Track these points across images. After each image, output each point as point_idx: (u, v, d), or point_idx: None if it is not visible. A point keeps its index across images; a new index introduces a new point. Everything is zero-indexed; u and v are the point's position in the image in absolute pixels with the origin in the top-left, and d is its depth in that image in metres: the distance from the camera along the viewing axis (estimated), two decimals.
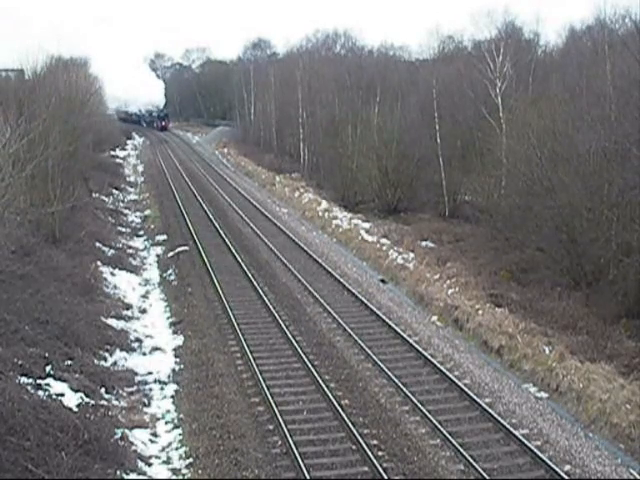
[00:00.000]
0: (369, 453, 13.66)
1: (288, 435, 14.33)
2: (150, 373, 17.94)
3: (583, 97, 26.19)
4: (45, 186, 26.33)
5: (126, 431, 14.60)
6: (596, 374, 16.88)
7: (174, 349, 19.81)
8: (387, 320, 21.50)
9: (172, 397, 16.77)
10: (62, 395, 15.06)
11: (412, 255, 29.08)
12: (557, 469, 13.25)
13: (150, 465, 13.73)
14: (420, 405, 15.81)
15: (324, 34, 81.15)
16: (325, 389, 16.56)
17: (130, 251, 30.99)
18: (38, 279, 20.72)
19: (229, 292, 24.36)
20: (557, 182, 24.44)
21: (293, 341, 19.69)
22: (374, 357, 18.59)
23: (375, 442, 14.44)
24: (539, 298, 22.53)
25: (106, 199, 42.13)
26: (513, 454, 14.06)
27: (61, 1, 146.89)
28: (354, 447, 14.18)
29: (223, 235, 33.29)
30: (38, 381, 15.23)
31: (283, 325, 20.97)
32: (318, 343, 20.03)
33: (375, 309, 22.59)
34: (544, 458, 13.62)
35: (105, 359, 18.37)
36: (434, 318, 22.47)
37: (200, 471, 13.48)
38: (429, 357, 18.68)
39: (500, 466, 13.57)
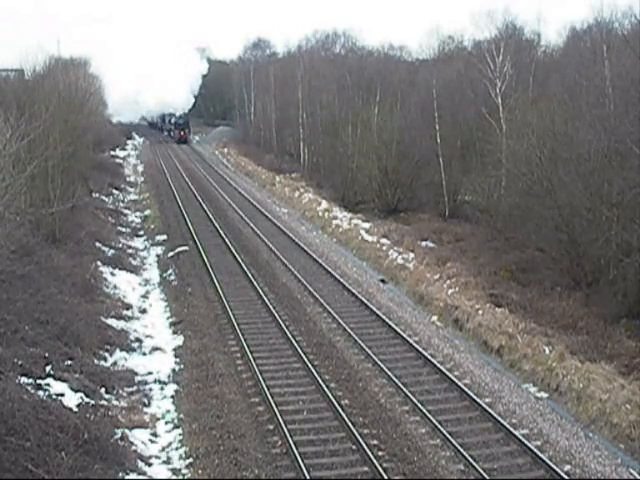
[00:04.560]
0: (369, 453, 13.67)
1: (288, 435, 14.34)
2: (150, 373, 17.94)
3: (583, 97, 26.18)
4: (45, 186, 26.34)
5: (126, 431, 14.60)
6: (596, 374, 16.88)
7: (174, 349, 19.81)
8: (387, 320, 21.50)
9: (172, 397, 16.77)
10: (62, 395, 15.06)
11: (412, 255, 29.08)
12: (557, 469, 13.25)
13: (150, 465, 13.74)
14: (420, 405, 15.81)
15: (324, 34, 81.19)
16: (325, 389, 16.57)
17: (130, 251, 30.99)
18: (38, 279, 20.72)
19: (229, 292, 24.36)
20: (557, 182, 24.45)
21: (293, 341, 19.69)
22: (374, 357, 18.58)
23: (375, 442, 14.44)
24: (539, 298, 22.54)
25: (106, 199, 42.15)
26: (513, 454, 14.06)
27: (61, 1, 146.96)
28: (354, 447, 14.18)
29: (223, 235, 33.29)
30: (38, 381, 15.23)
31: (283, 325, 20.97)
32: (318, 343, 20.03)
33: (375, 309, 22.59)
34: (544, 458, 13.62)
35: (105, 359, 18.38)
36: (434, 318, 22.47)
37: (200, 471, 13.48)
38: (429, 357, 18.68)
39: (500, 466, 13.57)
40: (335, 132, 45.61)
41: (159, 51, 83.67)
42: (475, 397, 16.23)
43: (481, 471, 13.17)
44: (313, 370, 17.67)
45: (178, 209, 40.58)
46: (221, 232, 33.92)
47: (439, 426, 14.85)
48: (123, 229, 35.53)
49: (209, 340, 20.23)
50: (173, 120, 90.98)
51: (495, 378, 17.86)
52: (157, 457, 14.12)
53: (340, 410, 15.47)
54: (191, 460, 13.89)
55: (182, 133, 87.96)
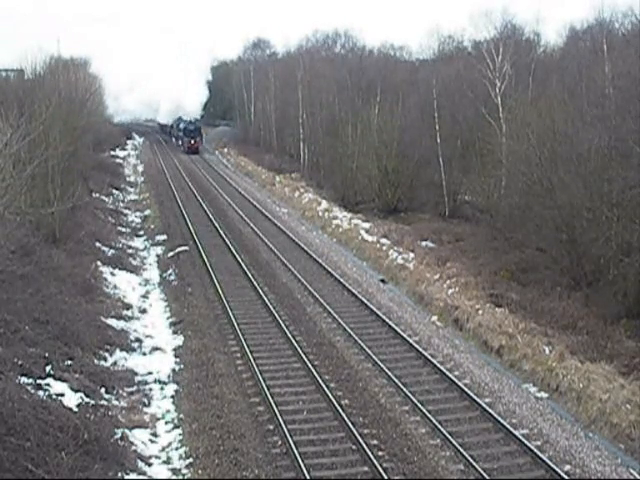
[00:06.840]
0: (369, 453, 13.67)
1: (288, 435, 14.34)
2: (150, 373, 17.94)
3: (583, 97, 26.19)
4: (45, 186, 26.34)
5: (126, 431, 14.60)
6: (596, 374, 16.88)
7: (174, 349, 19.81)
8: (387, 320, 21.50)
9: (172, 397, 16.77)
10: (62, 395, 15.06)
11: (412, 255, 29.07)
12: (557, 469, 13.25)
13: (150, 465, 13.74)
14: (420, 405, 15.81)
15: (324, 34, 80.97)
16: (325, 389, 16.57)
17: (130, 251, 30.98)
18: (38, 279, 20.71)
19: (229, 292, 24.36)
20: (557, 182, 24.45)
21: (293, 341, 19.69)
22: (374, 357, 18.58)
23: (375, 442, 14.44)
24: (539, 298, 22.53)
25: (106, 199, 42.13)
26: (513, 454, 14.06)
27: (61, 1, 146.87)
28: (354, 447, 14.18)
29: (223, 235, 33.29)
30: (38, 381, 15.23)
31: (283, 325, 20.97)
32: (318, 343, 20.02)
33: (375, 309, 22.59)
34: (544, 458, 13.63)
35: (105, 359, 18.37)
36: (434, 318, 22.47)
37: (200, 471, 13.48)
38: (429, 357, 18.68)
39: (500, 466, 13.58)
40: (335, 132, 45.58)
41: (159, 51, 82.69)
42: (475, 397, 16.23)
43: (481, 471, 13.18)
44: (313, 370, 17.67)
45: (178, 209, 40.57)
46: (221, 232, 33.91)
47: (439, 426, 14.85)
48: (123, 229, 35.52)
49: (209, 340, 20.22)
50: (182, 125, 76.46)
51: (495, 378, 17.86)
52: (157, 457, 14.12)
53: (340, 410, 15.47)
54: (191, 460, 13.89)
55: (193, 142, 73.91)
